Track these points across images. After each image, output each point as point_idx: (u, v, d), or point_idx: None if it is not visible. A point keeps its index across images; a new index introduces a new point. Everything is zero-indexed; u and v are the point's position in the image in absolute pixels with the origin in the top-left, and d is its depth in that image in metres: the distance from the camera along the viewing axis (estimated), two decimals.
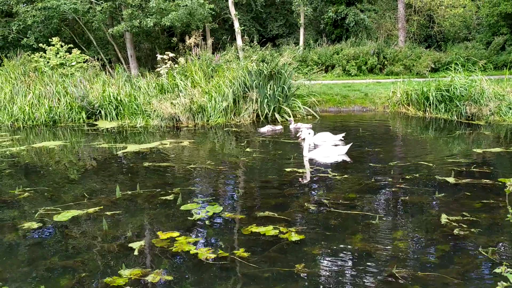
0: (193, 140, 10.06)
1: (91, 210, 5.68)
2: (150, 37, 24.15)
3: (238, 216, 5.31)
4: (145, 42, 25.51)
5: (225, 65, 13.85)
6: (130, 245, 4.64)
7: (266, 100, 12.40)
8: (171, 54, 14.21)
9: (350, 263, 4.17)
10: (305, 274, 3.97)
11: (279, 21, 25.78)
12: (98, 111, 13.52)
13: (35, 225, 5.28)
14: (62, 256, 4.50)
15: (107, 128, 12.24)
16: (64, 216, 5.52)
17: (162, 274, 4.03)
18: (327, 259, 4.25)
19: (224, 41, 22.54)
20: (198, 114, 12.27)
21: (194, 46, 14.31)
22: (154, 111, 12.57)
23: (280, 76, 12.63)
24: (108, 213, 5.56)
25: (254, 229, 4.90)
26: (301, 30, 23.31)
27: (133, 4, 18.47)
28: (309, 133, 8.44)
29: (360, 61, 20.18)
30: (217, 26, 23.92)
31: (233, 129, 11.44)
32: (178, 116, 12.18)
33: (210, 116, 12.26)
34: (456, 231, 4.67)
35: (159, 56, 14.37)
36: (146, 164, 7.94)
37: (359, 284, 3.79)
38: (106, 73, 15.85)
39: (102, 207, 5.79)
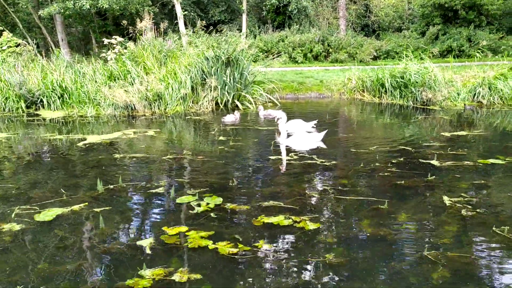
0: (158, 130, 9.53)
1: (75, 207, 5.15)
2: (83, 21, 22.59)
3: (242, 207, 5.07)
4: (77, 25, 23.88)
5: (179, 51, 13.28)
6: (138, 243, 4.25)
7: (226, 86, 12.07)
8: (120, 39, 13.36)
9: (375, 248, 4.12)
10: (337, 263, 3.86)
11: (221, 6, 25.28)
12: (39, 100, 12.41)
13: (16, 226, 4.68)
14: (60, 260, 4.00)
15: (53, 118, 11.27)
16: (47, 215, 4.95)
17: (188, 272, 3.72)
18: (352, 246, 4.18)
19: (164, 26, 21.64)
20: (155, 102, 11.66)
21: (144, 31, 13.54)
22: (105, 99, 11.77)
23: (239, 63, 12.34)
24: (96, 209, 5.07)
25: (266, 219, 4.71)
26: (244, 17, 23.08)
27: None
28: (282, 118, 8.31)
29: (306, 48, 20.40)
30: (157, 11, 22.94)
31: (194, 117, 11.02)
32: (134, 105, 11.50)
33: (167, 104, 11.71)
34: (464, 212, 4.81)
35: (106, 40, 13.45)
36: (117, 155, 7.39)
37: (393, 269, 3.76)
38: (43, 58, 14.57)
39: (86, 203, 5.28)
